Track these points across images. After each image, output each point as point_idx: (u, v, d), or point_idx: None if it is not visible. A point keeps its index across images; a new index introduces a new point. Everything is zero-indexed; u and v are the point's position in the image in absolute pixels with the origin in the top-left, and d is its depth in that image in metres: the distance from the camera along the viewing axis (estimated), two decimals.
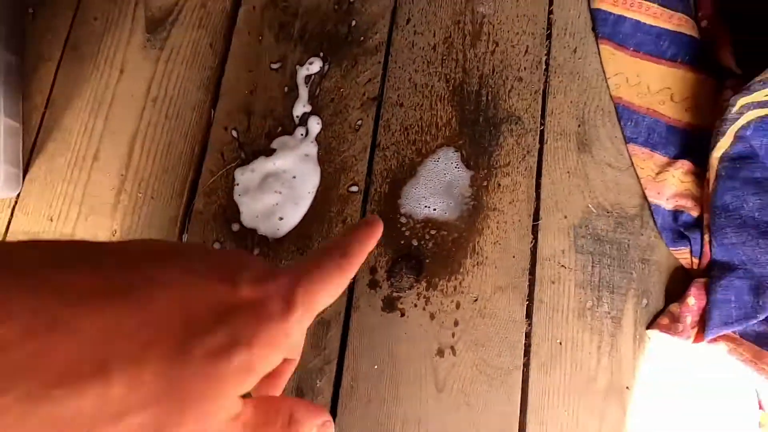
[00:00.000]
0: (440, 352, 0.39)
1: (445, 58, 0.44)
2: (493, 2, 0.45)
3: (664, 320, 0.39)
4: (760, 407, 0.38)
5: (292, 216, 0.41)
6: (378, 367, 0.38)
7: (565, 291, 0.40)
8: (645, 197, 0.42)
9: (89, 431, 0.12)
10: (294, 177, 0.41)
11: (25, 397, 0.11)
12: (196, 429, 0.14)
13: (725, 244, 0.39)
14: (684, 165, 0.41)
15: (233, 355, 0.14)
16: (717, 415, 0.38)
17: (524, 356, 0.39)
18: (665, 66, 0.44)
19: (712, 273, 0.39)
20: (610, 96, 0.44)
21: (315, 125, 0.43)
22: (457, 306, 0.39)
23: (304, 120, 0.43)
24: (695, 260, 0.40)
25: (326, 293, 0.17)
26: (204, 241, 0.40)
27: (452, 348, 0.39)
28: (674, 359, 0.39)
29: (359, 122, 0.43)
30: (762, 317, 0.36)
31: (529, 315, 0.39)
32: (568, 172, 0.42)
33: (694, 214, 0.41)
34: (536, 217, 0.41)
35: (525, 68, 0.44)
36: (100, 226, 0.41)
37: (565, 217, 0.41)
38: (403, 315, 0.39)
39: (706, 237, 0.40)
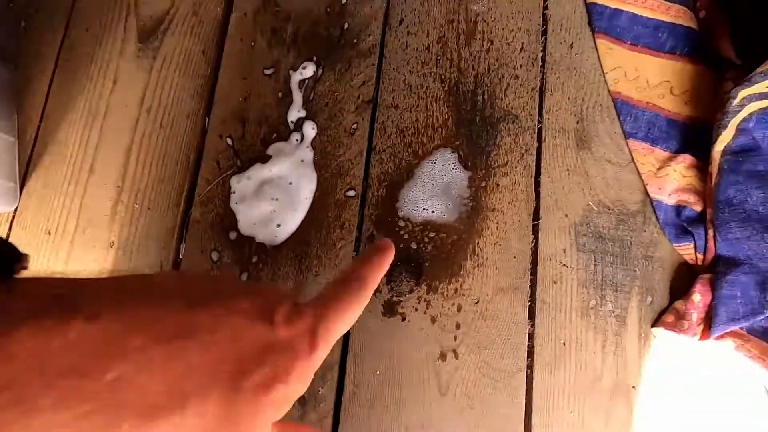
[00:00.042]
0: (442, 356, 0.38)
1: (439, 58, 0.44)
2: (487, 0, 0.45)
3: (670, 318, 0.38)
4: None
5: (290, 222, 0.40)
6: (380, 372, 0.38)
7: (567, 290, 0.39)
8: (647, 193, 0.41)
9: None
10: (290, 183, 0.41)
11: (131, 428, 0.14)
12: None
13: (730, 239, 0.38)
14: (686, 159, 0.41)
15: (273, 389, 0.16)
16: (725, 413, 0.37)
17: (528, 358, 0.38)
18: (664, 59, 0.43)
19: (717, 269, 0.38)
20: (609, 91, 0.43)
21: (310, 130, 0.42)
22: (459, 309, 0.39)
23: (299, 125, 0.42)
24: (699, 256, 0.39)
25: (344, 325, 0.20)
26: (202, 251, 0.40)
27: (454, 351, 0.38)
28: (680, 357, 0.38)
29: (354, 126, 0.43)
30: None
31: (531, 316, 0.39)
32: (568, 170, 0.42)
33: (697, 209, 0.40)
34: (536, 216, 0.41)
35: (521, 66, 0.44)
36: (97, 239, 0.41)
37: (566, 215, 0.41)
38: (404, 319, 0.39)
39: (710, 232, 0.39)
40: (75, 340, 0.14)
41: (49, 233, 0.42)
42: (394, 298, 0.39)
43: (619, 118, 0.42)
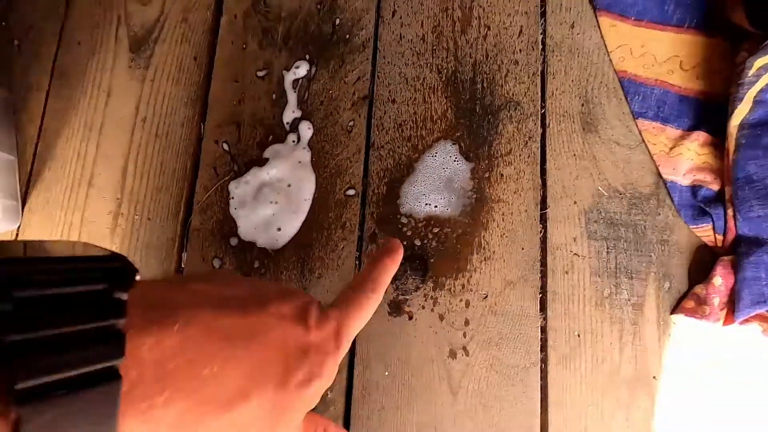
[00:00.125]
0: (452, 354, 0.37)
1: (435, 48, 0.43)
2: None
3: (690, 303, 0.37)
4: None
5: (291, 225, 0.40)
6: (389, 373, 0.37)
7: (580, 280, 0.38)
8: (659, 174, 0.39)
9: None
10: (289, 185, 0.40)
11: (213, 418, 0.16)
12: (285, 430, 0.19)
13: (751, 218, 0.36)
14: (700, 136, 0.39)
15: (312, 385, 0.19)
16: (752, 401, 0.35)
17: (541, 352, 0.37)
18: (672, 32, 0.41)
19: (739, 249, 0.36)
20: (614, 70, 0.41)
21: (306, 130, 0.41)
22: (467, 304, 0.38)
23: (294, 126, 0.42)
24: (719, 237, 0.37)
25: (362, 323, 0.23)
26: (203, 258, 0.40)
27: (464, 348, 0.37)
28: (703, 344, 0.37)
29: (351, 123, 0.42)
30: None
31: (543, 308, 0.38)
32: (575, 155, 0.40)
33: (715, 188, 0.38)
34: (543, 205, 0.39)
35: (520, 50, 0.42)
36: None
37: (575, 202, 0.39)
38: (411, 318, 0.38)
39: (730, 211, 0.37)
40: (178, 344, 0.16)
41: None
42: (400, 297, 0.38)
43: (626, 98, 0.41)
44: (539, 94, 0.41)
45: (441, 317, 0.38)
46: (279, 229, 0.39)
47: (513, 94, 0.41)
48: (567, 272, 0.38)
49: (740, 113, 0.36)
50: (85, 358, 0.13)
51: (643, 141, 0.40)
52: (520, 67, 0.42)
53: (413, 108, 0.42)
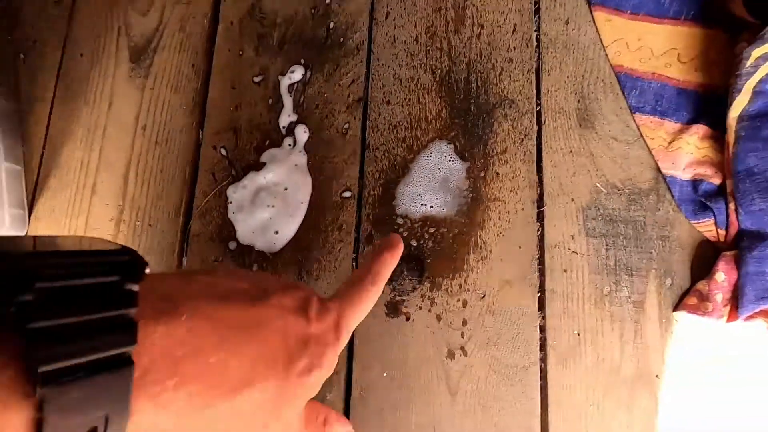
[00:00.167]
0: (451, 354, 0.37)
1: (429, 48, 0.43)
2: None
3: (692, 300, 0.36)
4: None
5: (288, 228, 0.40)
6: (387, 374, 0.37)
7: (579, 278, 0.38)
8: (658, 169, 0.39)
9: (236, 421, 0.18)
10: (286, 189, 0.41)
11: (221, 403, 0.17)
12: (287, 417, 0.20)
13: (753, 211, 0.35)
14: (699, 130, 0.38)
15: (312, 374, 0.20)
16: (756, 399, 0.35)
17: (540, 351, 0.37)
18: (669, 25, 0.41)
19: (742, 244, 0.35)
20: (610, 65, 0.41)
21: (302, 134, 0.42)
22: (464, 304, 0.38)
23: (290, 130, 0.42)
24: (721, 232, 0.37)
25: (361, 316, 0.23)
26: (203, 263, 0.41)
27: (463, 349, 0.37)
28: (706, 341, 0.36)
29: (346, 126, 0.42)
30: None
31: (542, 307, 0.37)
32: (571, 152, 0.40)
33: (716, 181, 0.38)
34: (540, 203, 0.39)
35: (514, 48, 0.42)
36: None
37: (572, 199, 0.39)
38: (408, 319, 0.38)
39: (731, 205, 0.36)
40: (186, 333, 0.17)
41: None
42: (397, 298, 0.38)
43: (623, 92, 0.40)
44: (534, 91, 0.41)
45: (438, 317, 0.38)
46: (276, 233, 0.40)
47: (508, 93, 0.41)
48: (566, 270, 0.38)
49: (739, 105, 0.36)
50: (100, 345, 0.14)
51: (642, 136, 0.39)
52: (515, 64, 0.41)
53: (408, 109, 0.42)
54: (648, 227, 0.38)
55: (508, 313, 0.37)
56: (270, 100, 0.43)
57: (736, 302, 0.35)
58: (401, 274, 0.39)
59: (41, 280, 0.13)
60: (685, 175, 0.38)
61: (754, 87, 0.35)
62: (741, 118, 0.36)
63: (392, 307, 0.38)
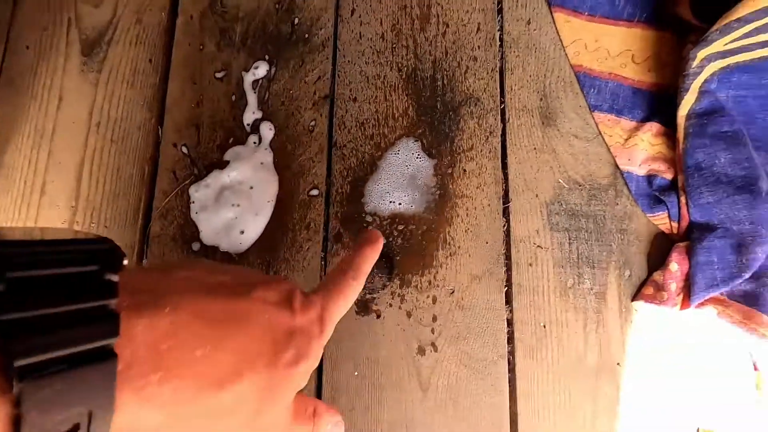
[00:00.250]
0: (421, 351, 0.37)
1: (395, 46, 0.43)
2: None
3: (649, 290, 0.38)
4: (755, 368, 0.36)
5: (254, 228, 0.39)
6: (358, 373, 0.37)
7: (543, 272, 0.39)
8: (616, 165, 0.40)
9: (225, 415, 0.18)
10: (251, 187, 0.40)
11: (208, 395, 0.17)
12: (276, 409, 0.20)
13: (702, 204, 0.37)
14: (653, 127, 0.40)
15: (299, 365, 0.20)
16: (711, 383, 0.37)
17: (508, 344, 0.37)
18: (623, 27, 0.42)
19: (693, 235, 0.37)
20: (570, 65, 0.42)
21: (267, 131, 0.41)
22: (434, 300, 0.38)
23: (255, 127, 0.41)
24: (674, 224, 0.39)
25: (344, 309, 0.23)
26: None
27: (433, 345, 0.37)
28: (664, 330, 0.38)
29: (313, 123, 0.41)
30: (747, 275, 0.35)
31: (509, 301, 0.38)
32: (535, 149, 0.41)
33: (669, 176, 0.39)
34: (506, 199, 0.40)
35: (479, 47, 0.42)
36: None
37: (536, 195, 0.40)
38: (378, 316, 0.38)
39: (683, 199, 0.38)
40: (170, 326, 0.16)
41: None
42: (367, 296, 0.38)
43: (582, 91, 0.41)
44: (498, 89, 0.42)
45: (409, 314, 0.38)
46: (242, 233, 0.39)
47: (473, 90, 0.42)
48: (531, 264, 0.39)
49: (687, 103, 0.38)
50: (80, 337, 0.14)
51: (600, 133, 0.41)
52: (479, 63, 0.42)
53: (375, 106, 0.42)
54: (608, 221, 0.39)
55: (477, 307, 0.38)
56: (233, 97, 0.42)
57: (688, 291, 0.37)
58: (371, 271, 0.38)
59: (13, 269, 0.13)
60: (641, 171, 0.40)
61: (700, 86, 0.38)
62: (689, 116, 0.38)
63: (362, 306, 0.38)
